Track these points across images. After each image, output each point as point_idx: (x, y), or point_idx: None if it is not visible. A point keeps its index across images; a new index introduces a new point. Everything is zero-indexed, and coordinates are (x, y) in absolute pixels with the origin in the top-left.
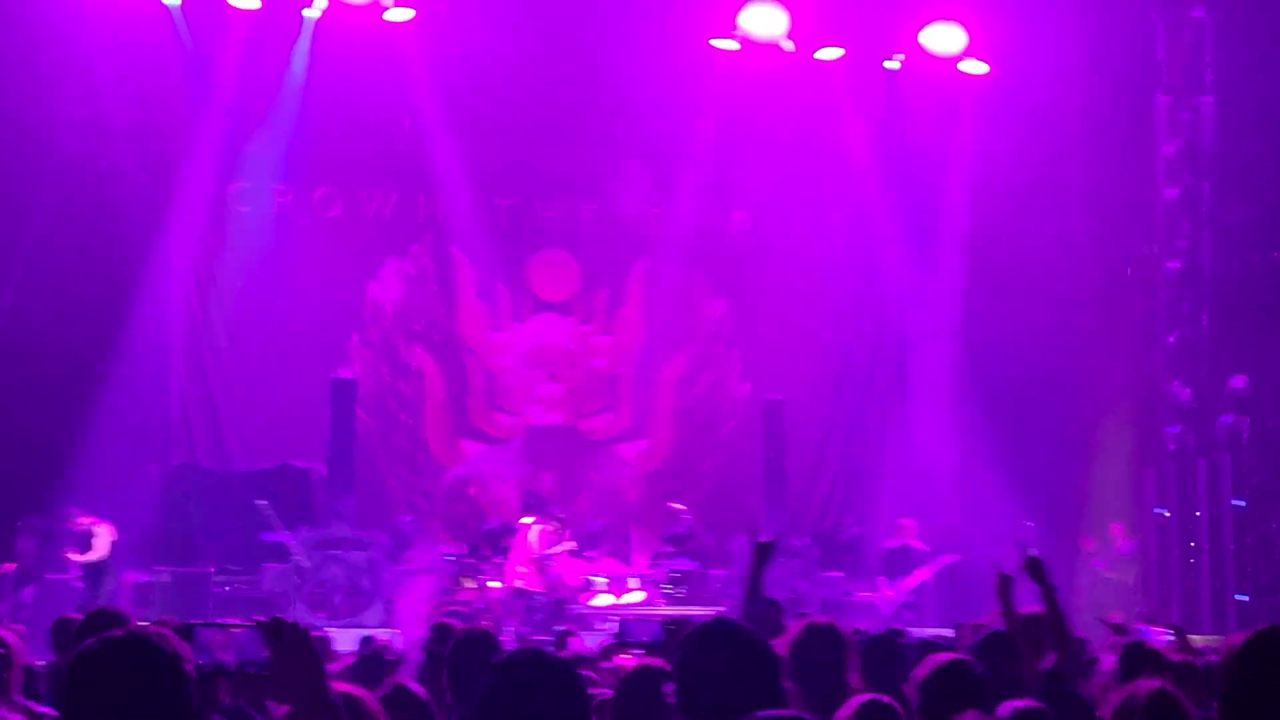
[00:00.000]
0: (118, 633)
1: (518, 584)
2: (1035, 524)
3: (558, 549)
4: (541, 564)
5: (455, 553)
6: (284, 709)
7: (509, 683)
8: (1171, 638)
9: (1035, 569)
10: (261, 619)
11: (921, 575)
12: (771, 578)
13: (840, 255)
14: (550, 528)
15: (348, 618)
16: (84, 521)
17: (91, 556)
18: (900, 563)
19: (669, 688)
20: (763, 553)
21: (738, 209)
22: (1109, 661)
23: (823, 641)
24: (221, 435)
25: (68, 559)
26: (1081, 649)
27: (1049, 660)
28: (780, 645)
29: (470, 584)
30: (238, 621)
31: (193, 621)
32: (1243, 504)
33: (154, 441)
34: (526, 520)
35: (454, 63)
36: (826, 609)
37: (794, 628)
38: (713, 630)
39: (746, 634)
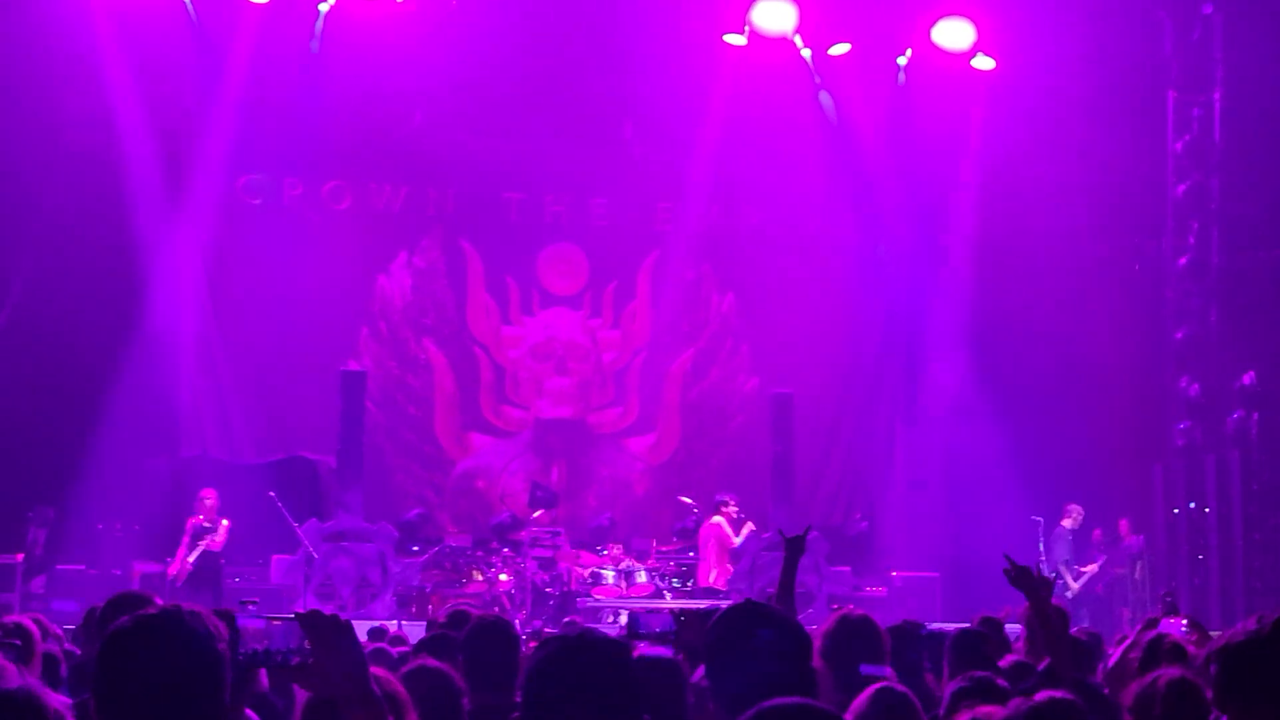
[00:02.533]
0: (151, 610)
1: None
2: (1043, 518)
3: (745, 530)
4: (736, 554)
5: (463, 545)
6: (308, 694)
7: (560, 661)
8: (1187, 629)
9: (1023, 579)
10: (301, 611)
11: (1097, 565)
12: (778, 573)
13: (849, 250)
14: (731, 513)
15: (356, 610)
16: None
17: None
18: (1084, 547)
19: (699, 673)
20: (795, 547)
21: (747, 203)
22: (1120, 653)
23: (858, 635)
24: (231, 427)
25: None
26: (1097, 643)
27: (1043, 662)
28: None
29: (479, 576)
30: (276, 613)
31: (231, 610)
32: (1250, 500)
33: (164, 433)
34: (717, 519)
35: (464, 56)
36: (832, 603)
37: (828, 619)
38: (745, 611)
39: (779, 615)
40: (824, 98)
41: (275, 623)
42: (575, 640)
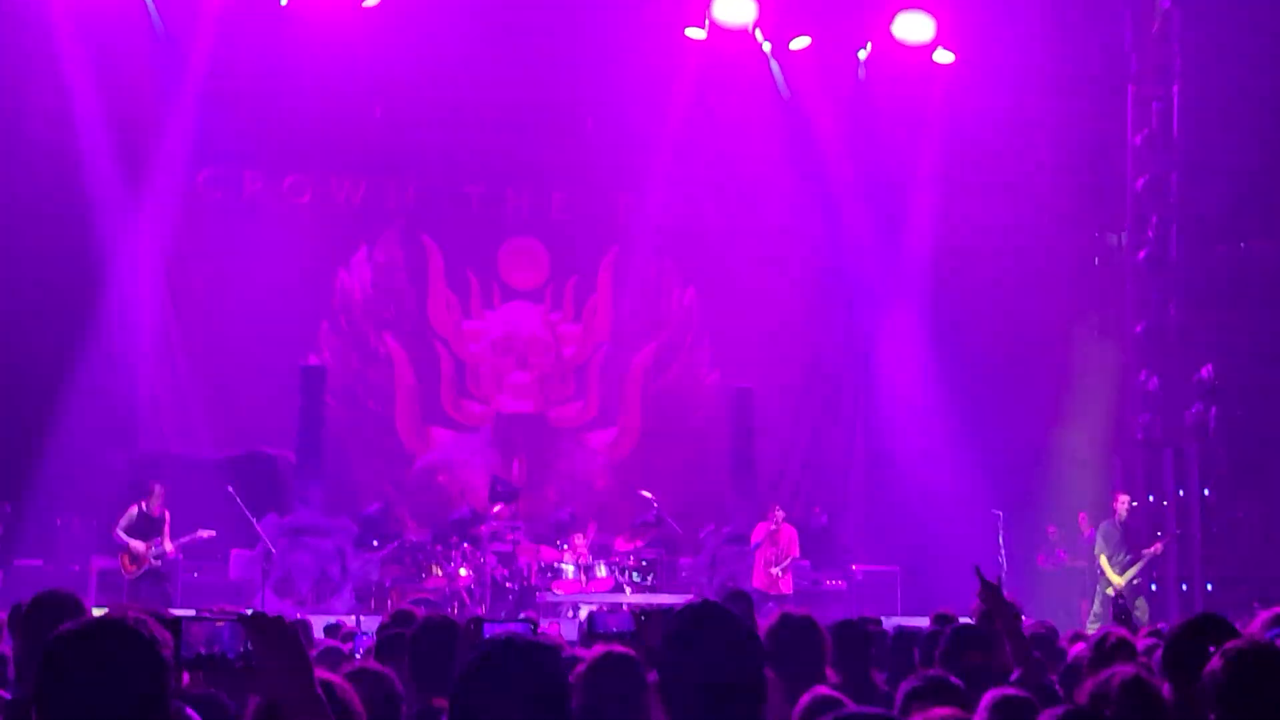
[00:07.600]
0: (98, 616)
1: (775, 571)
2: (1003, 512)
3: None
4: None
5: (423, 540)
6: (256, 698)
7: (489, 664)
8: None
9: (991, 594)
10: (244, 613)
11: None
12: (741, 567)
13: (809, 244)
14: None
15: (315, 605)
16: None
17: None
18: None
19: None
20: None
21: (708, 197)
22: (1075, 651)
23: (800, 633)
24: (190, 422)
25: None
26: (1053, 635)
27: (1015, 673)
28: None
29: (438, 572)
30: (220, 615)
31: (176, 614)
32: (1209, 493)
33: (123, 428)
34: (770, 525)
35: (424, 50)
36: (797, 598)
37: (769, 618)
38: (700, 612)
39: (733, 619)
40: (781, 86)
41: (221, 624)
42: (502, 645)
